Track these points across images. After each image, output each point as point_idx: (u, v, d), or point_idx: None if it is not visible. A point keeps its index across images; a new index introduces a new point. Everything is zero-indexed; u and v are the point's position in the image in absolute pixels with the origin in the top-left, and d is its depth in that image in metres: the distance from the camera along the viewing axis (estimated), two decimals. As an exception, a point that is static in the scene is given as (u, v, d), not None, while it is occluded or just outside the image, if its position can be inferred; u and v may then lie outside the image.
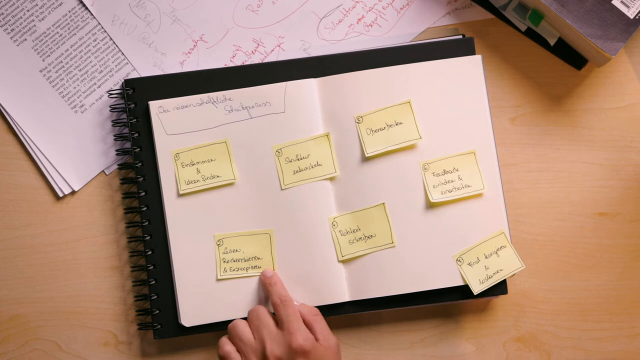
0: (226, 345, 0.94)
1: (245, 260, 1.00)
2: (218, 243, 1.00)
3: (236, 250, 1.00)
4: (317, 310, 0.96)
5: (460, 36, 1.03)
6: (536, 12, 1.01)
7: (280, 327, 0.92)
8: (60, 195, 1.04)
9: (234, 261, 1.00)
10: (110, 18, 1.04)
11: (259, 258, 1.00)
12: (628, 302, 1.03)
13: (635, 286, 1.03)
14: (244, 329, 0.93)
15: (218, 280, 0.99)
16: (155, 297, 1.01)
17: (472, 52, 1.02)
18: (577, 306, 1.03)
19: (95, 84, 1.04)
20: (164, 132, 1.01)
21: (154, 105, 1.01)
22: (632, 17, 0.98)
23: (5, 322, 1.03)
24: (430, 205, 1.00)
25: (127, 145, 1.03)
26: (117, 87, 1.04)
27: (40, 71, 1.04)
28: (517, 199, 1.04)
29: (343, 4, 1.05)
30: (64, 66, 1.04)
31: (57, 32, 1.04)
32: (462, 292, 1.00)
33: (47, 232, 1.04)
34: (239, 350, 0.93)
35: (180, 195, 1.00)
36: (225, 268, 0.99)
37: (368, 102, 1.01)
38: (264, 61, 1.05)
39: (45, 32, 1.04)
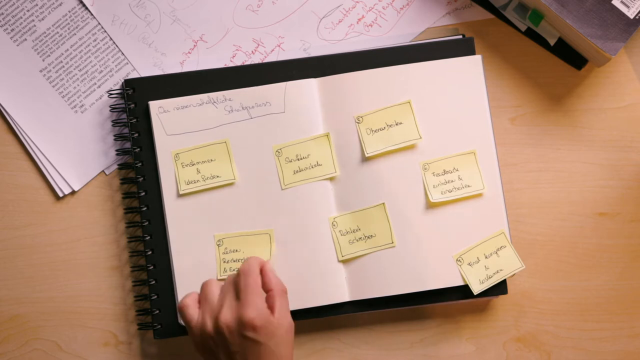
0: (188, 297, 0.93)
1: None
2: (218, 243, 1.00)
3: (236, 250, 1.00)
4: (285, 288, 0.93)
5: (460, 36, 1.03)
6: (536, 12, 1.01)
7: (238, 296, 0.91)
8: (60, 195, 1.04)
9: (234, 261, 1.00)
10: (110, 18, 1.04)
11: None
12: (628, 302, 1.03)
13: (635, 286, 1.03)
14: (212, 289, 0.93)
15: (218, 280, 1.00)
16: (155, 297, 1.01)
17: (472, 52, 1.02)
18: (577, 306, 1.03)
19: (95, 84, 1.04)
20: (164, 133, 1.01)
21: (154, 106, 1.01)
22: (632, 17, 0.98)
23: (5, 322, 1.03)
24: (430, 205, 1.00)
25: (127, 145, 1.03)
26: (117, 87, 1.04)
27: (40, 71, 1.04)
28: (517, 199, 1.04)
29: (343, 4, 1.05)
30: (64, 66, 1.04)
31: (57, 32, 1.04)
32: (462, 292, 1.00)
33: (47, 232, 1.04)
34: (202, 304, 0.93)
35: (180, 196, 1.00)
36: (225, 268, 0.99)
37: (368, 102, 1.01)
38: (264, 61, 1.05)
39: (45, 32, 1.04)
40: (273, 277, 0.92)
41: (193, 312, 0.92)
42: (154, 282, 1.01)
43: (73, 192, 1.04)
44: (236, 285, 0.91)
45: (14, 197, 1.04)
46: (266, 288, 0.92)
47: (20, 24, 1.04)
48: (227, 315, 0.89)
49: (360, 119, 1.00)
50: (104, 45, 1.05)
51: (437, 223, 0.99)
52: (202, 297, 0.93)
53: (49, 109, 1.04)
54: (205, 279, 0.99)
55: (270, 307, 0.90)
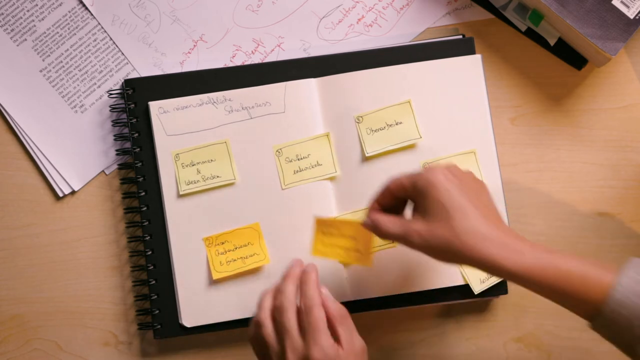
0: (252, 327, 0.90)
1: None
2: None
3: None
4: (345, 311, 0.90)
5: (460, 36, 1.03)
6: (536, 12, 1.01)
7: (302, 335, 0.87)
8: (60, 195, 1.04)
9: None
10: (110, 18, 1.04)
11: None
12: (628, 302, 1.03)
13: (636, 286, 1.03)
14: (269, 333, 0.88)
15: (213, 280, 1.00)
16: (155, 297, 1.01)
17: (472, 52, 1.02)
18: (577, 306, 1.03)
19: (95, 84, 1.05)
20: (164, 133, 1.01)
21: (154, 106, 1.01)
22: (632, 17, 0.98)
23: (5, 322, 1.03)
24: (431, 205, 1.00)
25: (127, 145, 1.03)
26: (117, 87, 1.04)
27: (40, 71, 1.04)
28: (517, 199, 1.03)
29: (343, 4, 1.05)
30: (64, 66, 1.04)
31: (57, 32, 1.04)
32: (463, 291, 1.00)
33: (47, 232, 1.04)
34: (263, 349, 0.89)
35: (180, 196, 1.00)
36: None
37: (368, 102, 1.01)
38: (264, 61, 1.05)
39: (45, 32, 1.04)
40: (331, 303, 0.89)
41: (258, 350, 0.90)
42: (154, 282, 1.01)
43: (73, 192, 1.04)
44: (299, 322, 0.88)
45: (14, 197, 1.04)
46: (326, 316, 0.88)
47: (20, 24, 1.04)
48: (293, 359, 0.86)
49: (360, 118, 1.00)
50: (104, 45, 1.05)
51: (437, 223, 0.99)
52: (262, 344, 0.89)
53: (49, 109, 1.04)
54: (206, 279, 0.99)
55: (336, 339, 0.87)
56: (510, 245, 0.83)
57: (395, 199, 0.89)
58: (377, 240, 0.99)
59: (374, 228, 0.88)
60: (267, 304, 0.89)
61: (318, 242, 0.94)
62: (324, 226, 0.94)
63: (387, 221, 0.87)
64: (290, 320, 0.87)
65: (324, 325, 0.87)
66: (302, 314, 0.87)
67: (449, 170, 0.86)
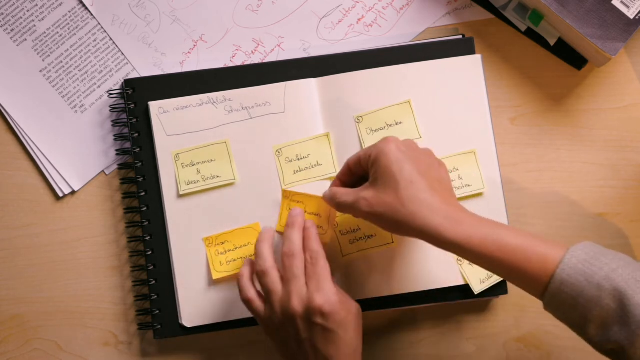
0: (248, 290, 0.92)
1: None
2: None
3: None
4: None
5: (460, 36, 1.03)
6: (536, 12, 1.01)
7: (307, 283, 0.89)
8: (60, 195, 1.04)
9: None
10: (110, 18, 1.04)
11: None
12: (628, 302, 1.03)
13: (636, 286, 1.03)
14: (274, 280, 0.91)
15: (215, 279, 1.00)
16: (155, 297, 1.01)
17: (472, 52, 1.02)
18: (578, 306, 1.03)
19: (95, 84, 1.04)
20: (164, 133, 1.01)
21: (154, 106, 1.01)
22: (632, 17, 0.98)
23: (5, 322, 1.03)
24: (431, 205, 1.00)
25: (127, 145, 1.03)
26: (117, 87, 1.04)
27: (40, 71, 1.04)
28: (517, 199, 1.03)
29: (343, 4, 1.05)
30: (64, 66, 1.04)
31: (57, 32, 1.04)
32: (463, 291, 0.99)
33: (47, 232, 1.04)
34: (266, 296, 0.91)
35: (180, 196, 1.00)
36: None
37: (368, 102, 1.01)
38: (263, 61, 1.05)
39: (45, 32, 1.04)
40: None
41: (259, 305, 0.92)
42: (154, 282, 1.01)
43: (73, 192, 1.04)
44: (305, 270, 0.90)
45: (14, 197, 1.04)
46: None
47: (20, 24, 1.04)
48: (297, 304, 0.88)
49: (360, 118, 1.00)
50: (104, 45, 1.05)
51: (437, 223, 0.99)
52: (265, 290, 0.91)
53: (49, 109, 1.04)
54: (206, 279, 0.99)
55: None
56: (453, 216, 0.84)
57: (353, 174, 0.93)
58: (377, 240, 0.99)
59: (331, 198, 0.92)
60: (268, 254, 0.92)
61: (284, 218, 0.99)
62: (290, 200, 0.98)
63: (343, 192, 0.90)
64: (299, 267, 0.90)
65: (329, 275, 0.90)
66: (307, 264, 0.90)
67: (403, 143, 0.89)
